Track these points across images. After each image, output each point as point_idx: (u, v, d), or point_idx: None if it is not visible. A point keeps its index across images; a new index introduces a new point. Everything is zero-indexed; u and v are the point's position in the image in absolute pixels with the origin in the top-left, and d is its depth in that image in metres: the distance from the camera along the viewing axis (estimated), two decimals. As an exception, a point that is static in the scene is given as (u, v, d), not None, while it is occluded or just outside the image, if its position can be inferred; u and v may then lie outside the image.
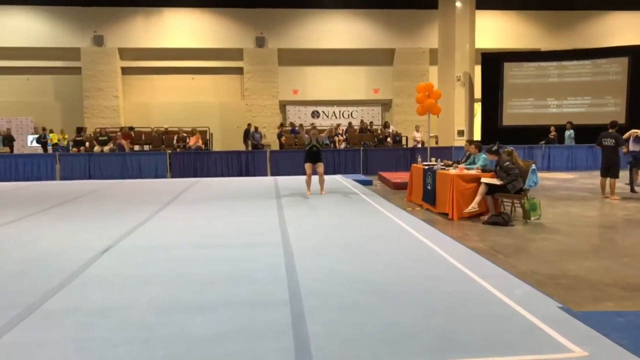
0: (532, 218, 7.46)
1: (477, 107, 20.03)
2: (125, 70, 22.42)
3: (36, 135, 19.69)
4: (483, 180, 7.74)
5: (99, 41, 21.44)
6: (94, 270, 5.00)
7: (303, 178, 11.27)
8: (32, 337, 3.40)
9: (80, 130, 18.89)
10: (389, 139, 19.17)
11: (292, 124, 21.21)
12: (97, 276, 4.81)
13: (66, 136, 19.49)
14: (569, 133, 17.33)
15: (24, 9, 21.05)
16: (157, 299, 4.15)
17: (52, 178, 14.87)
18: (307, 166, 10.45)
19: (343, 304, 4.00)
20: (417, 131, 19.58)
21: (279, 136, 19.71)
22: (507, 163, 7.54)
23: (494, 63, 18.83)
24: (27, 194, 11.63)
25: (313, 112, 22.89)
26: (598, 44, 21.05)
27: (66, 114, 22.21)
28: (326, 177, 11.41)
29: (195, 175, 15.18)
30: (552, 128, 17.56)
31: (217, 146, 21.22)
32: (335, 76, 22.85)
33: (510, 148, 7.94)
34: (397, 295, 4.17)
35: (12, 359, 3.10)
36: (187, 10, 21.84)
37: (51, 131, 19.71)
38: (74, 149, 17.20)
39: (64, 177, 14.87)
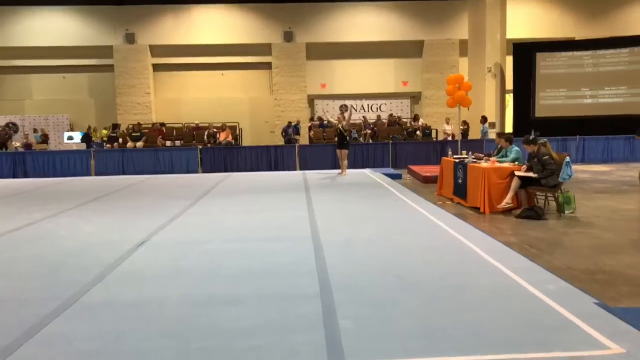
0: (566, 212, 7.32)
1: (509, 98, 19.65)
2: (157, 67, 22.76)
3: (71, 133, 20.22)
4: (517, 173, 7.60)
5: (130, 39, 21.82)
6: (129, 264, 5.12)
7: (331, 172, 13.93)
8: (72, 328, 3.51)
9: (115, 126, 19.35)
10: (418, 132, 18.99)
11: (319, 118, 21.20)
12: (132, 269, 4.93)
13: (105, 132, 19.88)
14: (482, 127, 17.31)
15: (59, 9, 21.54)
16: (190, 292, 4.23)
17: (88, 174, 15.24)
18: (337, 151, 13.26)
19: (373, 298, 4.00)
20: (448, 124, 19.34)
21: (296, 130, 19.75)
22: (547, 157, 7.34)
23: (526, 53, 18.41)
24: (64, 189, 11.96)
25: (341, 106, 22.75)
26: (635, 32, 20.35)
27: (100, 111, 22.72)
28: (355, 171, 13.76)
29: (225, 170, 15.36)
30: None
31: (246, 141, 21.41)
32: (363, 69, 22.71)
33: (544, 139, 7.78)
34: (428, 290, 4.15)
35: (54, 349, 3.21)
36: (215, 7, 22.00)
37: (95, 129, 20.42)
38: (108, 145, 17.60)
39: (98, 173, 15.23)
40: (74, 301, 4.01)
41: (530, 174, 7.49)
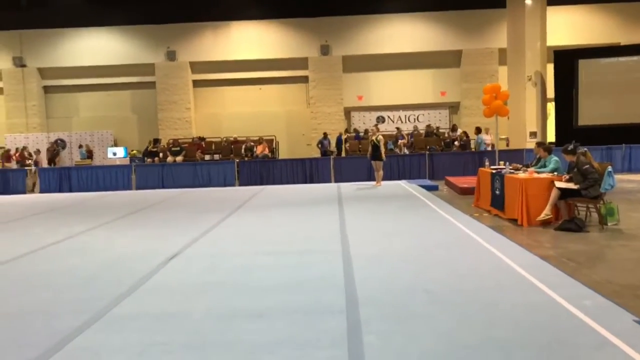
0: (609, 224, 6.99)
1: (551, 107, 19.12)
2: (197, 83, 23.29)
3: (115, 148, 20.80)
4: (557, 184, 7.34)
5: (171, 56, 22.44)
6: (160, 277, 5.19)
7: (366, 184, 14.20)
8: (100, 341, 3.57)
9: (156, 141, 19.84)
10: (456, 143, 18.67)
11: (355, 130, 21.18)
12: (162, 283, 5.00)
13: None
14: (477, 138, 17.58)
15: (104, 30, 22.44)
16: (217, 305, 4.25)
17: (129, 187, 15.67)
18: (372, 163, 13.59)
19: (400, 313, 3.91)
20: (487, 134, 18.95)
21: (339, 143, 19.74)
22: (587, 166, 7.07)
23: (567, 60, 17.87)
24: (105, 203, 12.32)
25: (378, 117, 22.74)
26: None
27: (142, 127, 23.38)
28: (391, 183, 14.10)
29: (261, 183, 15.49)
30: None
31: (283, 154, 21.56)
32: (400, 80, 22.59)
33: (584, 149, 7.49)
34: (458, 306, 4.03)
35: (80, 361, 3.27)
36: (253, 23, 22.41)
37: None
38: (149, 160, 18.06)
39: (139, 187, 15.63)
40: (104, 314, 4.09)
41: (571, 185, 7.22)
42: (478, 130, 17.74)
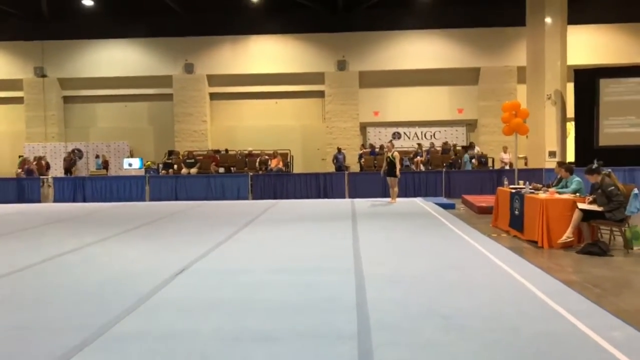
0: (634, 248, 6.71)
1: (570, 126, 18.77)
2: (213, 96, 23.35)
3: (131, 159, 20.88)
4: (579, 206, 7.06)
5: (189, 69, 22.55)
6: (165, 293, 5.03)
7: (380, 200, 13.97)
8: (97, 361, 3.40)
9: (171, 153, 19.82)
10: (473, 160, 18.39)
11: (371, 146, 21.01)
12: (167, 299, 4.82)
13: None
14: (464, 157, 17.90)
15: (123, 42, 22.65)
16: (222, 326, 4.06)
17: (142, 199, 15.62)
18: (387, 179, 13.36)
19: (415, 340, 3.69)
20: (505, 152, 18.67)
21: (360, 160, 19.59)
22: (612, 188, 6.80)
23: (588, 80, 17.53)
24: (116, 214, 12.24)
25: (394, 134, 22.55)
26: None
27: (158, 138, 23.46)
28: (406, 200, 13.93)
29: (275, 197, 15.35)
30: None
31: (298, 168, 21.43)
32: (417, 97, 22.42)
33: (607, 170, 7.22)
34: (476, 333, 3.79)
35: (75, 383, 3.09)
36: (271, 37, 22.46)
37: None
38: (163, 172, 18.05)
39: (153, 198, 15.57)
40: (104, 332, 3.92)
41: (595, 207, 6.95)
42: (465, 149, 17.93)
